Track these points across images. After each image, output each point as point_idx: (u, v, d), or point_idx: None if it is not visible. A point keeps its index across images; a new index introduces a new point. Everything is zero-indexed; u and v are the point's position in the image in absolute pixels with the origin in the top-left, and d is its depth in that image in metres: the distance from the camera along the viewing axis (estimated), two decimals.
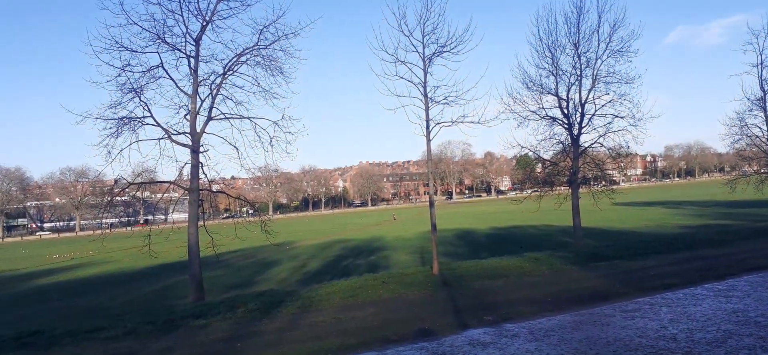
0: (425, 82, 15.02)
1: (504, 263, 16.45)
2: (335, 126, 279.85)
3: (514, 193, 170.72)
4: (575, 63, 20.16)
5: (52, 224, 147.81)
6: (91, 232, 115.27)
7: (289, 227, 71.31)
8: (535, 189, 23.12)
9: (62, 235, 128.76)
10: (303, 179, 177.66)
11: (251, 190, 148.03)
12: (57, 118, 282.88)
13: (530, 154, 22.16)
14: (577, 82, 20.33)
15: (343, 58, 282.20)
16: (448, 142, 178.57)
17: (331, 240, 50.66)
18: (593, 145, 21.10)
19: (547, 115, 20.90)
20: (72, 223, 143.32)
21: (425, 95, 15.03)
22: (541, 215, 40.26)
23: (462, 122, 15.06)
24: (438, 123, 15.29)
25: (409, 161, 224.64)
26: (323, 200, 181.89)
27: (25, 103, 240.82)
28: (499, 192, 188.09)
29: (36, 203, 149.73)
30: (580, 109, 20.45)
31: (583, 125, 20.53)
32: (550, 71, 20.49)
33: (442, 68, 15.11)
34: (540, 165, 24.06)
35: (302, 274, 27.14)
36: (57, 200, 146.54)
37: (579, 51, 19.97)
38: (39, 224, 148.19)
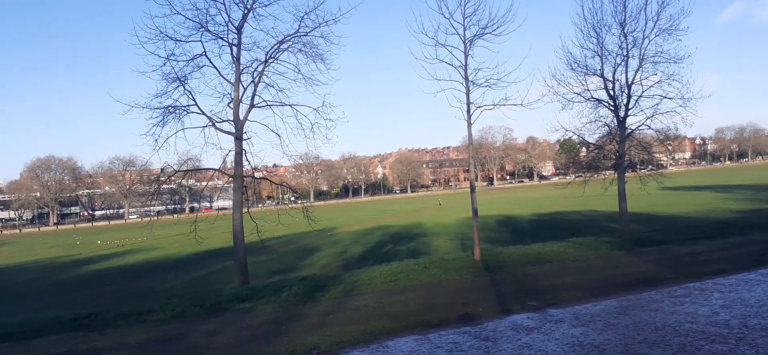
0: (466, 65, 14.80)
1: (547, 248, 16.23)
2: (374, 113, 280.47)
3: (557, 178, 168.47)
4: (621, 43, 19.46)
5: (103, 212, 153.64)
6: (140, 219, 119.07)
7: (330, 214, 72.02)
8: (580, 174, 22.63)
9: (112, 222, 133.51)
10: (343, 166, 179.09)
11: (293, 177, 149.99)
12: (106, 108, 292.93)
13: (574, 137, 21.57)
14: (623, 63, 19.64)
15: (382, 43, 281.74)
16: (489, 127, 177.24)
17: (372, 226, 51.00)
18: (640, 128, 20.38)
19: (592, 97, 20.29)
20: (121, 211, 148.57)
21: (466, 78, 14.82)
22: (585, 201, 39.47)
23: (504, 105, 14.79)
24: (479, 106, 15.08)
25: (448, 147, 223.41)
26: (363, 187, 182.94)
27: (75, 94, 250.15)
28: (541, 177, 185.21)
29: (87, 191, 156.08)
30: (626, 91, 19.79)
31: (629, 107, 19.88)
32: (595, 52, 19.84)
33: (484, 51, 14.83)
34: (584, 149, 23.46)
35: (344, 260, 27.45)
36: (107, 188, 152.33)
37: (625, 30, 19.25)
38: (90, 212, 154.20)
